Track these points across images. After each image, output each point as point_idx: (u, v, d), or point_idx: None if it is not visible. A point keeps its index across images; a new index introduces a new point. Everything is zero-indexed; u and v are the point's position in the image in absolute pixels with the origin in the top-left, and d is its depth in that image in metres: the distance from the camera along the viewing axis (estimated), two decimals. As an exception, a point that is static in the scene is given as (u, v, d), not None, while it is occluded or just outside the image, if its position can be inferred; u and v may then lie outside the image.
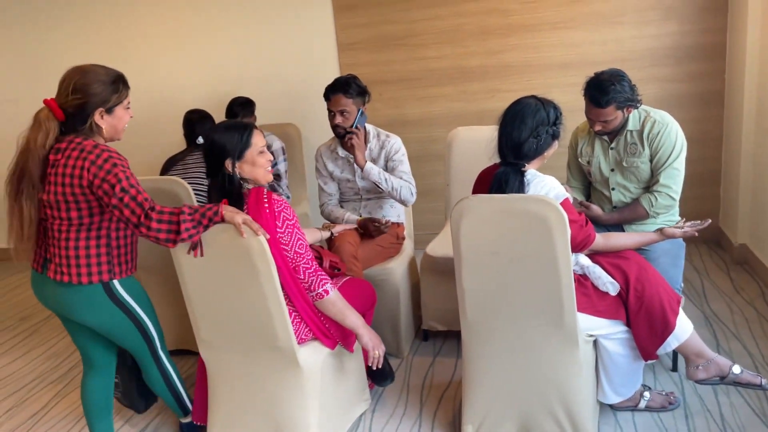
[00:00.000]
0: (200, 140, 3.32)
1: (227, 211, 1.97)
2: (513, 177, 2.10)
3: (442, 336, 3.11)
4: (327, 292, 2.15)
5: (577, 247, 2.10)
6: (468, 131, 3.32)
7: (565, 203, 2.04)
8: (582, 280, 2.16)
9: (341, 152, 3.00)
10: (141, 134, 4.54)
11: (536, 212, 1.92)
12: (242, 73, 4.36)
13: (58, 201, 1.92)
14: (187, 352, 3.06)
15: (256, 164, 2.13)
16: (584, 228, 2.12)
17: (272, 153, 3.86)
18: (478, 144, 3.27)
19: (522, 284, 2.03)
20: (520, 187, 2.08)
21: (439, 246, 2.99)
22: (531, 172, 2.13)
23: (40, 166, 1.94)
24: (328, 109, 2.87)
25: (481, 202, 2.01)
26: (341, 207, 3.09)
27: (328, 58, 4.22)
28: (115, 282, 2.03)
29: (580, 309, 2.08)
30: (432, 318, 3.03)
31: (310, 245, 2.58)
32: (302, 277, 2.13)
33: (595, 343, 2.19)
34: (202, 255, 2.03)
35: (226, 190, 2.11)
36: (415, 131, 4.18)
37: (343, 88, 2.83)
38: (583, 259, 2.20)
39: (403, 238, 3.11)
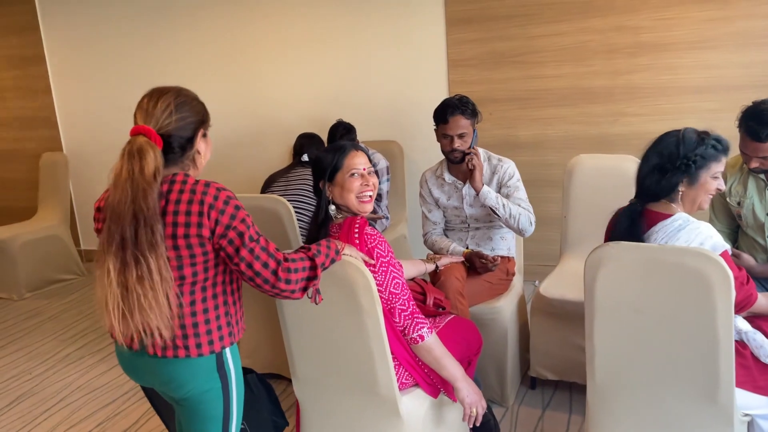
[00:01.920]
0: (305, 158, 3.24)
1: (347, 252, 1.81)
2: (639, 219, 1.83)
3: (551, 385, 2.81)
4: (422, 337, 1.92)
5: (735, 308, 1.77)
6: (591, 159, 3.01)
7: (723, 255, 1.72)
8: (739, 348, 1.82)
9: (448, 177, 2.77)
10: (246, 150, 4.53)
11: (694, 267, 1.61)
12: (348, 88, 4.24)
13: (168, 258, 1.49)
14: (277, 377, 2.92)
15: (345, 188, 1.97)
16: (745, 286, 1.79)
17: (376, 172, 3.70)
18: (602, 174, 2.97)
19: (669, 350, 1.72)
20: (658, 234, 1.78)
21: (554, 286, 2.70)
22: (682, 216, 1.82)
23: (157, 205, 1.47)
24: (444, 133, 2.66)
25: (625, 251, 1.72)
26: (446, 237, 2.86)
27: (437, 75, 4.02)
28: (227, 350, 1.63)
29: (737, 383, 1.75)
30: (541, 365, 2.74)
31: (413, 279, 2.37)
32: (397, 319, 1.92)
33: (751, 422, 1.84)
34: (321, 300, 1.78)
35: (317, 215, 1.99)
36: (527, 154, 3.89)
37: (462, 109, 2.62)
38: (741, 323, 1.86)
39: (513, 274, 2.83)
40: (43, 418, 2.87)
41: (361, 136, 4.22)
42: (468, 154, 2.63)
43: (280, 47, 4.35)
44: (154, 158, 1.48)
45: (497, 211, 2.61)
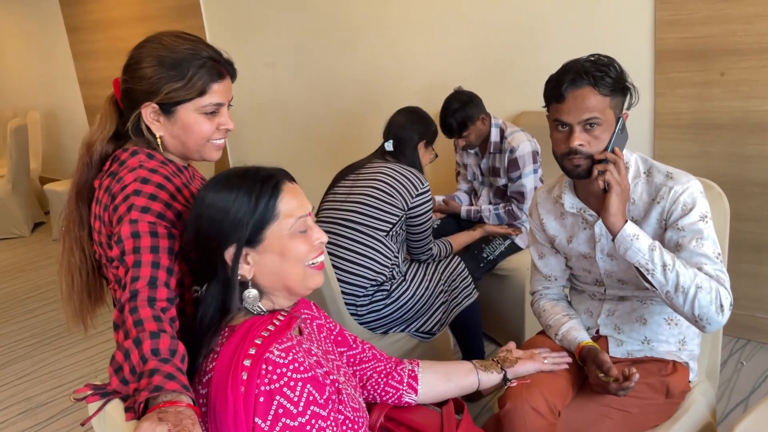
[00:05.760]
0: (388, 146, 2.30)
1: (158, 413, 0.90)
2: None
3: None
4: None
5: None
6: None
7: None
8: None
9: (570, 202, 1.55)
10: (354, 126, 3.62)
11: None
12: (498, 33, 3.02)
13: (106, 265, 1.25)
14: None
15: (286, 254, 1.09)
16: None
17: (515, 160, 2.53)
18: None
19: None
20: None
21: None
22: None
23: (83, 185, 1.29)
24: (557, 119, 1.45)
25: None
26: (568, 305, 1.65)
27: (636, 10, 2.58)
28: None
29: None
30: None
31: (443, 405, 1.30)
32: None
33: None
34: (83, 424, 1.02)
35: (204, 315, 1.11)
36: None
37: (594, 77, 1.38)
38: None
39: (685, 392, 1.53)
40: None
41: (510, 107, 3.01)
42: (602, 162, 1.39)
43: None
44: (105, 122, 1.27)
45: (650, 276, 1.34)
